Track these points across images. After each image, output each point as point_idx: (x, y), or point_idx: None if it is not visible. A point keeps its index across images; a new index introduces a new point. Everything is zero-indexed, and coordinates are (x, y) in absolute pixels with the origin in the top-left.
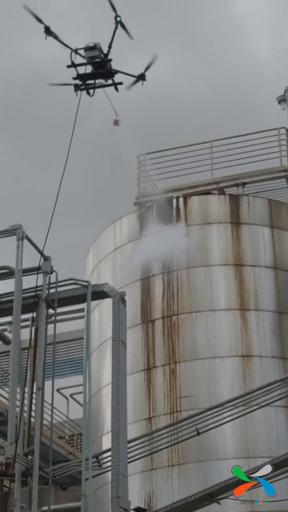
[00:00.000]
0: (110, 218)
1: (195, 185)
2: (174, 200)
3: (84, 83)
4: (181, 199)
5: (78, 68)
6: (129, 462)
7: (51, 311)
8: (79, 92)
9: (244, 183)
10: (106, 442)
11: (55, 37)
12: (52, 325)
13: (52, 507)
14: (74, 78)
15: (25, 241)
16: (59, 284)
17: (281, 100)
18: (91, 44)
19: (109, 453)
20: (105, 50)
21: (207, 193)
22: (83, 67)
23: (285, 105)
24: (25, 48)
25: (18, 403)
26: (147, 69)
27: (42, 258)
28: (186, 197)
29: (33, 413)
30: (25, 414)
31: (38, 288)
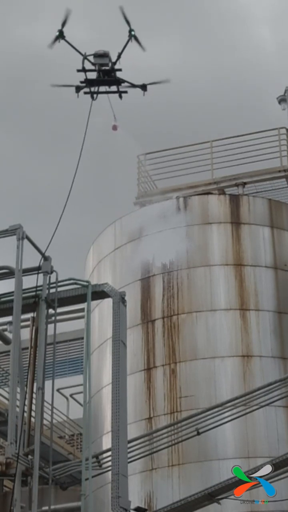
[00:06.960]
0: (110, 218)
1: (195, 185)
2: (174, 200)
3: (90, 88)
4: (181, 199)
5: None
6: (129, 462)
7: (51, 311)
8: (80, 94)
9: (244, 183)
10: (106, 442)
11: (67, 41)
12: (52, 325)
13: (52, 507)
14: (82, 82)
15: (25, 241)
16: (59, 284)
17: (281, 100)
18: (101, 52)
19: (109, 453)
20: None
21: (207, 193)
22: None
23: (285, 105)
24: (21, 33)
25: (18, 403)
26: (151, 83)
27: (42, 258)
28: (186, 197)
29: (33, 413)
30: (25, 414)
31: (38, 288)
